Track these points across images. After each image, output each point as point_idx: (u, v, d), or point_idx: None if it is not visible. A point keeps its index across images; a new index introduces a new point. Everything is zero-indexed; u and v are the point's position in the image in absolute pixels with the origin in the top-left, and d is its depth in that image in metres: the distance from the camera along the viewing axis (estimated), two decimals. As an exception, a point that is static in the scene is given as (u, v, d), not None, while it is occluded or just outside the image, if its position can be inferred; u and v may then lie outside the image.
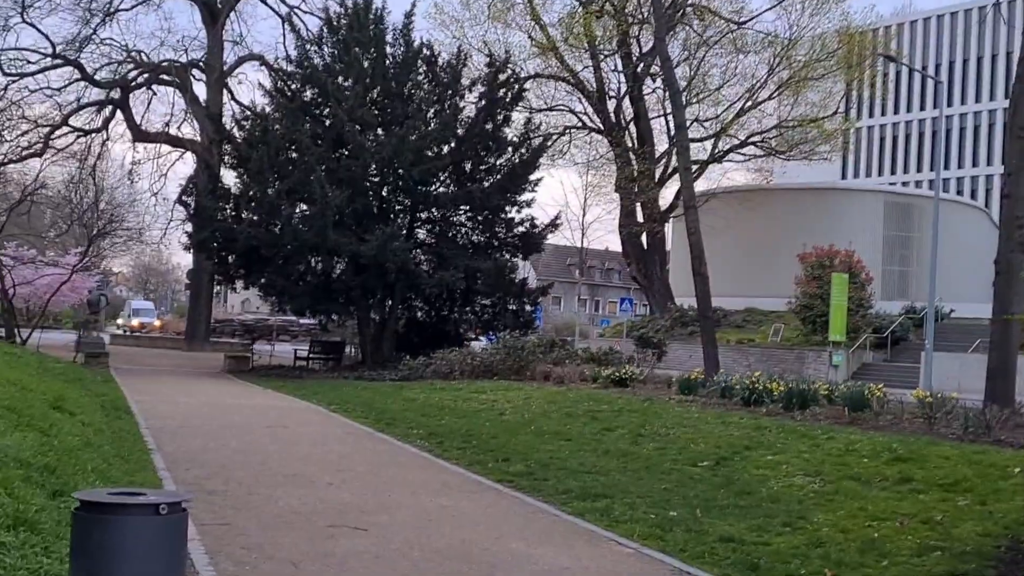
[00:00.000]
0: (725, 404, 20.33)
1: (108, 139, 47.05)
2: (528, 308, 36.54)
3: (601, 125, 46.50)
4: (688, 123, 44.92)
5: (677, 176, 48.24)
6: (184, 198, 36.47)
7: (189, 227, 35.92)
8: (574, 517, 10.49)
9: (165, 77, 46.00)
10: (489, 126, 34.51)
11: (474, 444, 15.61)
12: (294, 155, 32.86)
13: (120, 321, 74.44)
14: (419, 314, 36.68)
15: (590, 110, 47.00)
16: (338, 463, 13.41)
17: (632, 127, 47.55)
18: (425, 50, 35.28)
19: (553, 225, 36.51)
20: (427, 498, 11.12)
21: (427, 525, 9.65)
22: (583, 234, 55.22)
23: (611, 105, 46.62)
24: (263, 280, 33.89)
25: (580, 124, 47.87)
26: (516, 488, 12.10)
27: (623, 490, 11.90)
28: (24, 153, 43.52)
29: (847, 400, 18.27)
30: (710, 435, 15.97)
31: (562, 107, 47.72)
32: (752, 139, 46.55)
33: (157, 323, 69.09)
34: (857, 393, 18.45)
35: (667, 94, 37.98)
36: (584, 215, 54.65)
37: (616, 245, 53.98)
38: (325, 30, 35.77)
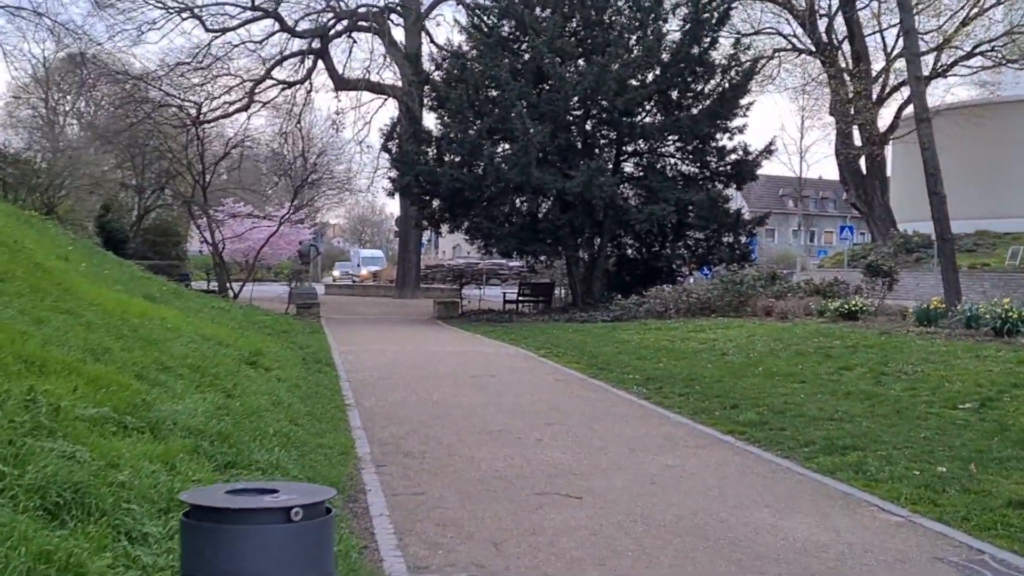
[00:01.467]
0: (973, 335, 18.18)
1: (312, 90, 47.09)
2: (744, 240, 34.63)
3: (812, 46, 43.75)
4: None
5: (896, 95, 45.45)
6: (388, 144, 35.87)
7: (393, 173, 35.31)
8: (823, 476, 8.95)
9: (363, 24, 45.57)
10: (695, 50, 32.50)
11: (697, 389, 14.16)
12: (493, 93, 31.75)
13: (337, 273, 75.16)
14: (629, 251, 35.20)
15: (799, 31, 44.33)
16: (548, 415, 12.21)
17: (845, 46, 44.65)
18: (625, -27, 33.49)
19: (767, 151, 34.23)
20: (648, 456, 9.78)
21: (650, 491, 8.30)
22: (801, 158, 53.00)
23: (822, 24, 43.78)
24: (468, 223, 33.06)
25: (790, 46, 45.28)
26: (749, 441, 10.62)
27: (875, 440, 10.26)
28: (230, 109, 43.90)
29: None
30: (965, 372, 14.02)
31: (770, 30, 45.23)
32: (979, 49, 42.86)
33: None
34: None
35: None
36: (802, 139, 51.88)
37: (830, 173, 51.44)
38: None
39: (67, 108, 62.70)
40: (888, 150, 47.17)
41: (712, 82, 33.19)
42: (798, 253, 74.32)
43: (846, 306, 22.94)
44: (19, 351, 7.60)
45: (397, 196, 39.25)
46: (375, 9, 44.72)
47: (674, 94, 33.00)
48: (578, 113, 32.19)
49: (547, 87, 31.27)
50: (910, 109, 45.39)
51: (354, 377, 15.55)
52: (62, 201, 38.00)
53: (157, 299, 19.92)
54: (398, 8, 45.85)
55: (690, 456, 9.80)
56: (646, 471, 9.06)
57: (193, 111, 39.93)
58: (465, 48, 33.90)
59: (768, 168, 42.40)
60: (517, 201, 32.86)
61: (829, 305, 23.55)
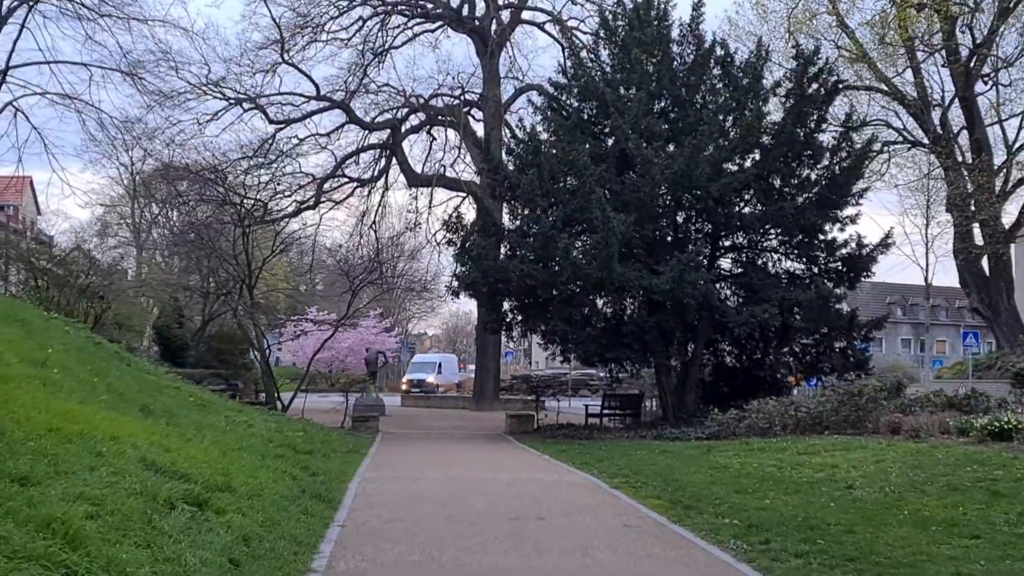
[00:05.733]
0: None
1: (387, 187, 44.05)
2: (859, 346, 30.28)
3: (925, 138, 39.61)
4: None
5: (1021, 189, 40.99)
6: (452, 237, 32.37)
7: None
8: None
9: (442, 118, 42.64)
10: (800, 132, 28.66)
11: (820, 546, 9.99)
12: (572, 181, 28.14)
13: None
14: (727, 358, 31.09)
15: (911, 122, 40.27)
16: (601, 592, 8.22)
17: (962, 137, 40.49)
18: (719, 49, 29.87)
19: (884, 244, 29.94)
20: None
21: None
22: (927, 250, 48.34)
23: (936, 114, 39.65)
24: (543, 327, 29.27)
25: (900, 139, 41.22)
26: (921, 655, 6.54)
27: None
28: (299, 206, 40.95)
29: None
30: None
31: (878, 121, 41.21)
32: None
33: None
34: None
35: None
36: (927, 228, 47.73)
37: (940, 279, 47.09)
38: (601, 33, 31.01)
39: (152, 216, 61.37)
40: (1012, 249, 42.74)
41: (819, 167, 29.35)
42: (909, 364, 69.70)
43: (996, 423, 18.67)
44: None
45: (468, 298, 35.64)
46: (453, 100, 41.80)
47: (776, 181, 29.21)
48: (668, 201, 28.38)
49: (632, 173, 27.59)
50: (1039, 203, 41.21)
51: (356, 518, 11.68)
52: (111, 304, 35.12)
53: (153, 412, 16.51)
54: (477, 102, 42.91)
55: None
56: None
57: (257, 209, 37.17)
58: (540, 130, 30.43)
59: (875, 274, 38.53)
60: (599, 301, 29.19)
61: (973, 422, 19.29)
